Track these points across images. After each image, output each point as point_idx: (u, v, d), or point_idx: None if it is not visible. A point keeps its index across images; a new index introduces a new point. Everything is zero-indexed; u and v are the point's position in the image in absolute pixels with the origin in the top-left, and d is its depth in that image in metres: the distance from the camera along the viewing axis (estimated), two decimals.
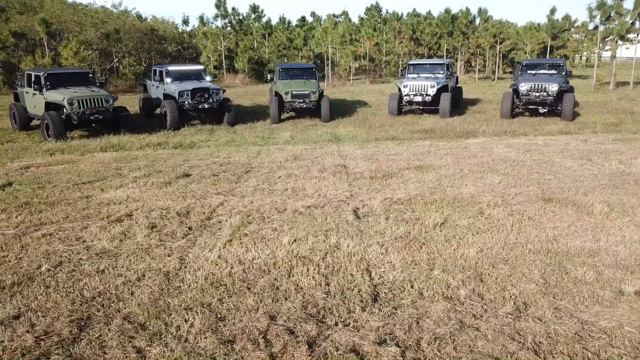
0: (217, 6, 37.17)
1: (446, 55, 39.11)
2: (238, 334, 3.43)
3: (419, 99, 16.66)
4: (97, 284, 4.21)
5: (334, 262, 4.59)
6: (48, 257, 4.76)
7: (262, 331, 3.45)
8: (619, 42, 26.62)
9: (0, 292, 4.07)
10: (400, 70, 38.31)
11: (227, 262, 4.63)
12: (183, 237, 5.27)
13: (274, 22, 42.52)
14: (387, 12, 51.15)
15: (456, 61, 39.84)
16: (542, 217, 5.72)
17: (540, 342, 3.28)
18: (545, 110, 15.80)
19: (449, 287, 4.08)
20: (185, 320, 3.60)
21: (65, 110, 12.95)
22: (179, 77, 15.34)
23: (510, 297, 3.89)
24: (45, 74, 13.58)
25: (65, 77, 14.06)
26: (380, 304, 3.83)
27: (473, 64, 43.48)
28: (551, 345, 3.25)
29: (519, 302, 3.81)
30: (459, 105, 18.91)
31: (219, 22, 38.12)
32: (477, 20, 39.71)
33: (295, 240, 5.11)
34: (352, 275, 4.32)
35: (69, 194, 7.04)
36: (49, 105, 13.29)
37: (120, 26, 33.32)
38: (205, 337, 3.38)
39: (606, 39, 27.55)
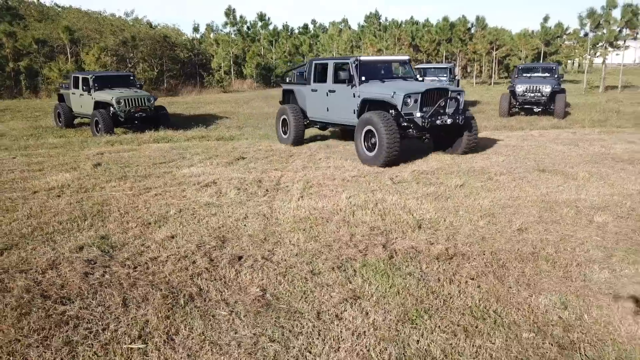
0: (227, 14, 38.95)
1: (445, 61, 40.89)
2: (332, 242, 5.04)
3: None
4: (216, 221, 5.80)
5: (384, 208, 6.21)
6: (169, 207, 6.36)
7: (348, 240, 5.06)
8: (609, 48, 28.45)
9: (148, 226, 5.67)
10: None
11: (304, 208, 6.24)
12: (264, 195, 6.89)
13: (278, 29, 44.24)
14: (386, 19, 52.89)
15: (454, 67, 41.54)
16: (537, 181, 7.39)
17: (536, 244, 4.92)
18: (540, 109, 17.54)
19: (471, 220, 5.72)
20: (291, 237, 5.21)
21: (112, 108, 14.55)
22: (373, 72, 10.01)
23: (515, 224, 5.52)
24: (94, 77, 15.20)
25: (110, 79, 15.69)
26: (424, 229, 5.45)
27: (469, 70, 45.37)
28: (544, 245, 4.89)
29: (522, 227, 5.45)
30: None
31: (228, 29, 39.86)
32: (474, 28, 41.59)
33: (350, 196, 6.74)
34: (399, 215, 5.94)
35: (152, 170, 8.64)
36: (97, 104, 14.89)
37: (136, 33, 35.00)
38: (310, 244, 4.99)
39: (596, 46, 29.36)
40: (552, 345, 3.24)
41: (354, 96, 9.56)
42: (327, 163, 9.12)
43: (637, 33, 27.23)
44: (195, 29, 41.20)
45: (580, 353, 3.16)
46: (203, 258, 4.67)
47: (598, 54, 33.19)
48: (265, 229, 5.52)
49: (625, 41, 28.22)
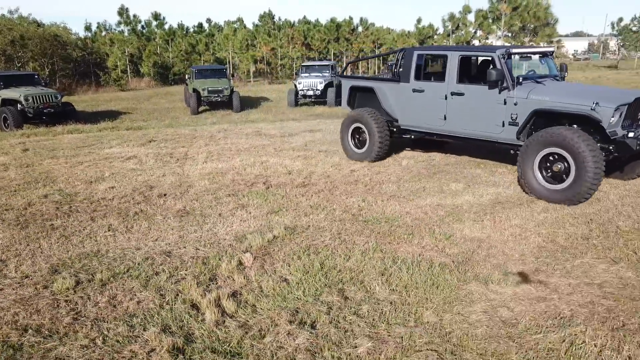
0: (120, 13, 39.26)
1: (334, 59, 44.42)
2: (228, 184, 7.43)
3: (310, 93, 21.17)
4: (142, 178, 7.93)
5: (268, 166, 8.70)
6: (103, 172, 8.34)
7: (239, 182, 7.48)
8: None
9: (91, 183, 7.65)
10: (295, 71, 42.73)
11: (208, 168, 8.55)
12: (176, 163, 9.08)
13: (174, 28, 45.08)
14: (279, 19, 55.52)
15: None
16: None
17: (359, 177, 7.69)
18: None
19: (324, 168, 8.40)
20: (200, 183, 7.51)
21: (20, 105, 15.62)
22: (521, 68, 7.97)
23: (350, 168, 8.28)
24: None
25: (16, 78, 16.69)
26: (292, 174, 8.03)
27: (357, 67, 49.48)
28: (364, 177, 7.67)
29: (354, 169, 8.22)
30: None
31: (122, 28, 40.15)
32: (360, 28, 45.63)
33: (242, 160, 9.15)
34: (278, 169, 8.47)
35: (78, 152, 10.39)
36: (4, 102, 15.85)
37: (24, 32, 34.35)
38: (213, 185, 7.34)
39: (458, 44, 34.23)
40: (348, 214, 5.93)
41: (505, 103, 7.18)
42: (225, 141, 11.44)
43: (488, 34, 32.37)
44: (87, 28, 40.89)
45: (362, 216, 5.88)
46: (139, 196, 6.86)
47: None
48: (180, 179, 7.78)
49: (480, 41, 33.33)
